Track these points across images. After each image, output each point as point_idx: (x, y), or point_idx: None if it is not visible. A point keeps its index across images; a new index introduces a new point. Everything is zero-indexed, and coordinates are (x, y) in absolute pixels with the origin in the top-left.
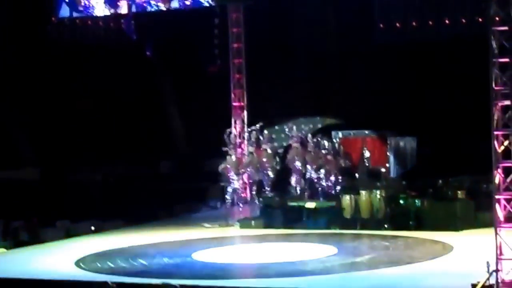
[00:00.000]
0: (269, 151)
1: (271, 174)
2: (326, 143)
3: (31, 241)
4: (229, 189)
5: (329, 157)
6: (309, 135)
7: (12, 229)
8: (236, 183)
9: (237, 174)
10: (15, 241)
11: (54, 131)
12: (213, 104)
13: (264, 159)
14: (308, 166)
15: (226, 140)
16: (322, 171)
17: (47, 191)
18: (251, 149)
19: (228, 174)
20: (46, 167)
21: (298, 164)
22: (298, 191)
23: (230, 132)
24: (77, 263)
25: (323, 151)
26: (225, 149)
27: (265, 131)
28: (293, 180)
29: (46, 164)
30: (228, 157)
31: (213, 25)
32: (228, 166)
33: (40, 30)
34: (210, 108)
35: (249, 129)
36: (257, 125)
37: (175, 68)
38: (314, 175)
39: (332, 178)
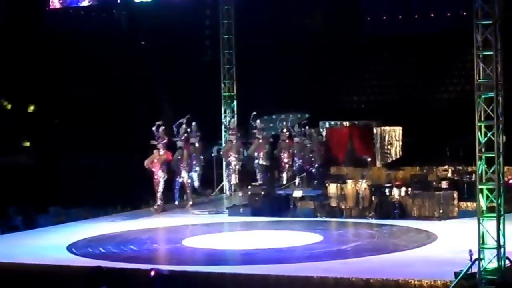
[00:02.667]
0: (196, 145)
1: (198, 169)
2: (312, 132)
3: (24, 226)
4: (161, 186)
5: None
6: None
7: (6, 213)
8: (162, 179)
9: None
10: (9, 226)
11: (48, 118)
12: (204, 93)
13: (193, 154)
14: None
15: (154, 133)
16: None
17: (41, 178)
18: (180, 143)
19: (154, 169)
20: (40, 154)
21: (232, 158)
22: (232, 185)
23: (159, 126)
24: (69, 248)
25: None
26: (153, 142)
27: (194, 123)
28: (225, 173)
29: (40, 151)
30: (155, 151)
31: (204, 16)
32: (155, 160)
33: (34, 19)
34: (201, 97)
35: (177, 123)
36: (184, 118)
37: (167, 57)
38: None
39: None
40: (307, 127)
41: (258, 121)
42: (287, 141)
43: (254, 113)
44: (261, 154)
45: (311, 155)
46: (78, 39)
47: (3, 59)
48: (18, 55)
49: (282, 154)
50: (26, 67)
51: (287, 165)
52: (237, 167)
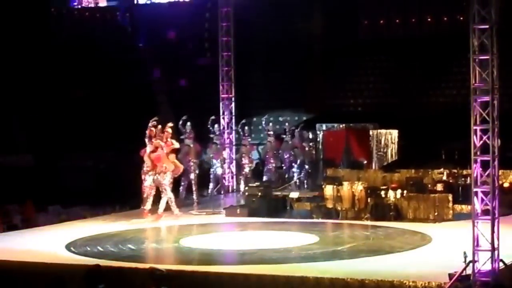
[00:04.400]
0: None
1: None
2: (310, 135)
3: (23, 224)
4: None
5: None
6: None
7: (5, 212)
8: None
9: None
10: (8, 225)
11: (47, 118)
12: (203, 94)
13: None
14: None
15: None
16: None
17: (40, 177)
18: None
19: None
20: (39, 153)
21: (191, 163)
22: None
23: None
24: (68, 247)
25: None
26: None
27: (159, 126)
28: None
29: (39, 150)
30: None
31: (204, 19)
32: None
33: (38, 20)
34: (199, 99)
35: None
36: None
37: (167, 58)
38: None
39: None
40: (287, 124)
41: (216, 126)
42: (248, 146)
43: (212, 117)
44: (218, 160)
45: (292, 153)
46: (81, 40)
47: (5, 59)
48: (19, 56)
49: (242, 159)
50: (26, 67)
51: (246, 171)
52: (197, 171)
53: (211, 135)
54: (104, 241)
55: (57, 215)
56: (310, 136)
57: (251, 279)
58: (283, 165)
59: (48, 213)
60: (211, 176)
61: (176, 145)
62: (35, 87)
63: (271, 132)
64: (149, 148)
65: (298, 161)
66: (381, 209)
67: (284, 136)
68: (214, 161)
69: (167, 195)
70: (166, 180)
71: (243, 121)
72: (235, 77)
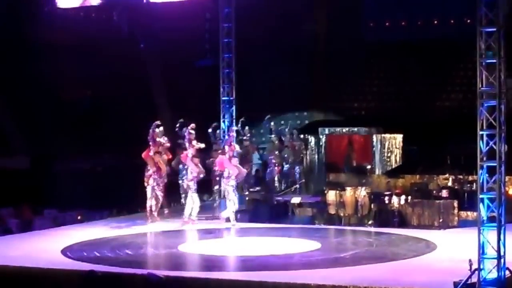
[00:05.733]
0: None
1: None
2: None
3: (19, 228)
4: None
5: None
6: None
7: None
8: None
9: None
10: (3, 228)
11: (44, 120)
12: (203, 97)
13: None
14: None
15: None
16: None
17: (36, 180)
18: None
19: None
20: (35, 156)
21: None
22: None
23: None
24: (64, 252)
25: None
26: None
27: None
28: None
29: (35, 153)
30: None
31: (204, 19)
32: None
33: (31, 19)
34: (199, 101)
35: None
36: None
37: (166, 60)
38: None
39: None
40: (272, 123)
41: (184, 129)
42: (219, 151)
43: (181, 120)
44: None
45: (277, 153)
46: (76, 41)
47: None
48: (15, 55)
49: (214, 165)
50: (23, 67)
51: (218, 177)
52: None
53: (180, 141)
54: (101, 246)
55: (53, 219)
56: (308, 138)
57: (252, 286)
58: (269, 167)
59: (44, 217)
60: (181, 185)
61: (238, 148)
62: (32, 88)
63: (247, 137)
64: (191, 152)
65: (290, 160)
66: (384, 215)
67: (271, 136)
68: (181, 166)
69: (231, 200)
70: (230, 186)
71: (215, 123)
72: (236, 79)
